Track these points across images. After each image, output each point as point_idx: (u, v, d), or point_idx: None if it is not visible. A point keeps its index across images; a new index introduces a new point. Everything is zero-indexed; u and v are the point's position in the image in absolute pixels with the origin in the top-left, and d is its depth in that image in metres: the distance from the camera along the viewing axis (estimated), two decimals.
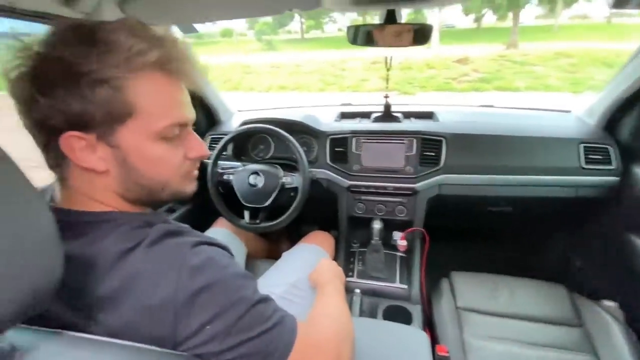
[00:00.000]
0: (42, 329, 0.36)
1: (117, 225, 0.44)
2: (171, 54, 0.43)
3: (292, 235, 1.64)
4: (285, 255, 1.11)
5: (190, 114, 0.48)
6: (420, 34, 0.87)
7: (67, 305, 0.40)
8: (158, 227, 0.45)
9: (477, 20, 19.20)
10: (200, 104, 1.39)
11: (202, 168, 1.31)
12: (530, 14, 22.75)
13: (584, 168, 1.08)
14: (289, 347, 0.44)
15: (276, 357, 0.43)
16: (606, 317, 0.95)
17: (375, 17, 1.00)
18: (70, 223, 0.43)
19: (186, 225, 0.53)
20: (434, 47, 12.58)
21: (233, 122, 1.49)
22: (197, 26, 1.16)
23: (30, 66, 0.39)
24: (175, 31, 1.05)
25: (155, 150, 0.45)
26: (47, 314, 0.38)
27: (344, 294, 0.76)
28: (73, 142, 0.41)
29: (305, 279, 0.98)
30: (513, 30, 12.68)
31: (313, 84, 10.57)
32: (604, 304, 1.01)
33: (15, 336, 0.33)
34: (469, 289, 1.08)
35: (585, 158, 1.09)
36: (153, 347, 0.37)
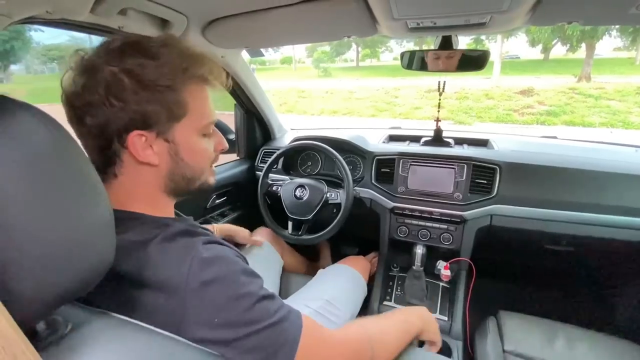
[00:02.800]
0: (90, 307, 0.40)
1: (140, 224, 0.49)
2: (212, 69, 0.53)
3: (330, 254, 1.65)
4: (321, 272, 1.12)
5: (215, 115, 0.58)
6: (476, 60, 0.87)
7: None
8: (176, 225, 0.50)
9: (545, 51, 18.15)
10: (257, 120, 1.50)
11: (256, 178, 1.41)
12: (607, 46, 20.94)
13: None
14: (297, 341, 0.45)
15: (285, 350, 0.44)
16: None
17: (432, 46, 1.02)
18: None
19: (206, 228, 0.58)
20: (494, 77, 12.09)
21: (285, 138, 1.59)
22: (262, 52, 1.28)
23: (98, 76, 0.46)
24: (244, 54, 1.18)
25: (200, 144, 0.55)
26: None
27: (407, 331, 0.68)
28: (136, 140, 0.48)
29: (340, 297, 0.98)
30: (586, 61, 11.73)
31: (365, 109, 10.73)
32: None
33: (68, 311, 0.38)
34: (519, 332, 0.98)
35: None
36: (188, 342, 0.39)
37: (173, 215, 0.60)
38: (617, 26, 11.66)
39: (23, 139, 0.29)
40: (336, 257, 1.62)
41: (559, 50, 18.13)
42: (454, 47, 0.90)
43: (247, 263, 0.55)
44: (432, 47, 0.96)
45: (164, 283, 0.43)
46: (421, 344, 0.80)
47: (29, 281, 0.29)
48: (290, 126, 1.75)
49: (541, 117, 8.32)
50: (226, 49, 1.05)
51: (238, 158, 1.53)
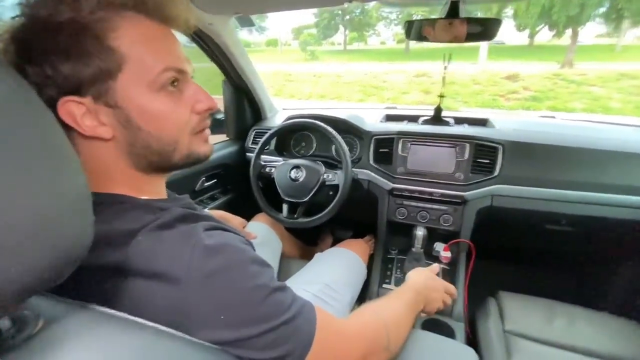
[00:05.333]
0: (66, 300, 0.34)
1: (128, 209, 0.41)
2: None
3: (327, 238, 1.62)
4: (318, 256, 1.08)
5: (187, 63, 0.45)
6: (486, 28, 0.82)
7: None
8: (172, 210, 0.42)
9: (531, 36, 18.29)
10: (248, 98, 1.42)
11: (246, 160, 1.33)
12: (590, 33, 21.26)
13: None
14: (312, 335, 0.41)
15: (300, 347, 0.40)
16: None
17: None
18: None
19: (207, 212, 0.50)
20: (481, 62, 12.15)
21: (277, 118, 1.51)
22: (245, 35, 1.18)
23: (10, 36, 0.37)
24: (233, 23, 1.09)
25: (157, 103, 0.42)
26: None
27: (417, 310, 0.66)
28: (73, 109, 0.38)
29: (339, 280, 0.95)
30: (570, 47, 11.89)
31: (353, 94, 10.61)
32: None
33: (40, 305, 0.31)
34: (519, 312, 0.97)
35: None
36: (177, 332, 0.34)
37: (165, 196, 0.51)
38: (601, 12, 11.84)
39: None
40: (331, 242, 1.59)
41: (544, 36, 18.31)
42: (461, 16, 0.84)
43: (255, 250, 0.49)
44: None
45: (161, 273, 0.36)
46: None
47: None
48: (282, 106, 1.67)
49: (526, 103, 8.43)
50: (214, 15, 0.95)
51: (227, 139, 1.45)
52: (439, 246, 1.15)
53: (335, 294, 0.90)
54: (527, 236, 1.31)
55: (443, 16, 0.86)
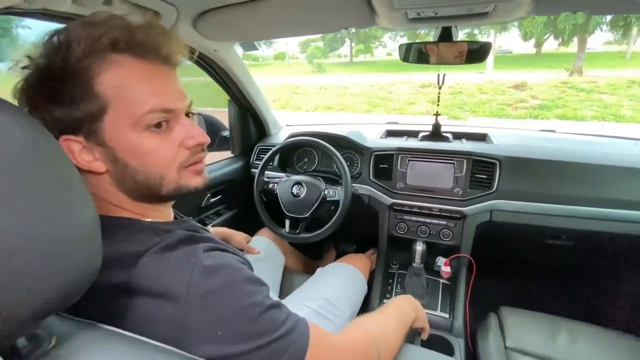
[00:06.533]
0: (77, 319, 0.37)
1: (132, 232, 0.44)
2: (135, 35, 0.41)
3: (331, 251, 1.64)
4: (319, 270, 1.10)
5: (179, 101, 0.46)
6: (477, 52, 0.85)
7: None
8: (176, 233, 0.45)
9: (538, 45, 18.24)
10: (252, 116, 1.47)
11: (251, 176, 1.38)
12: (598, 40, 21.10)
13: None
14: (304, 351, 0.43)
15: None
16: None
17: (428, 38, 1.00)
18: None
19: (210, 234, 0.53)
20: (488, 72, 12.14)
21: (281, 135, 1.55)
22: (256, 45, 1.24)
23: (20, 86, 0.42)
24: (237, 48, 1.14)
25: (142, 142, 0.43)
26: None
27: (405, 324, 0.69)
28: (72, 146, 0.42)
29: (339, 296, 0.96)
30: (578, 55, 11.82)
31: (359, 105, 10.70)
32: None
33: (53, 323, 0.34)
34: (521, 328, 0.97)
35: None
36: (178, 350, 0.36)
37: (171, 218, 0.55)
38: (608, 20, 11.77)
39: None
40: (338, 256, 1.60)
41: (551, 45, 18.25)
42: (454, 39, 0.88)
43: (252, 269, 0.51)
44: (430, 39, 0.94)
45: (164, 292, 0.39)
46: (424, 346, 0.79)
47: (5, 294, 0.26)
48: (286, 122, 1.72)
49: (534, 112, 8.37)
50: (219, 42, 1.01)
51: (232, 155, 1.50)
52: (441, 261, 1.16)
53: (336, 309, 0.92)
54: (528, 251, 1.30)
55: (435, 39, 0.89)
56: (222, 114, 1.42)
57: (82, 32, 0.40)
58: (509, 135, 1.27)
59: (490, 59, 12.47)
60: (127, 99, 0.42)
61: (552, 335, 0.95)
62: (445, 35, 0.85)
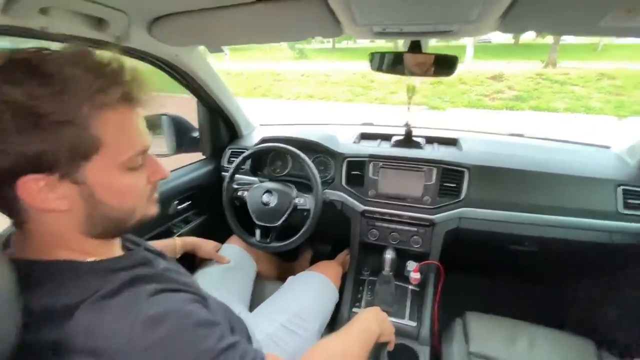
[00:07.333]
0: None
1: (69, 279, 0.42)
2: (132, 88, 0.43)
3: (307, 252, 1.63)
4: (290, 279, 1.09)
5: (149, 139, 0.48)
6: (445, 65, 0.84)
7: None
8: (120, 275, 0.43)
9: (516, 36, 18.56)
10: (222, 118, 1.41)
11: (222, 179, 1.34)
12: None
13: (621, 213, 0.99)
14: None
15: None
16: None
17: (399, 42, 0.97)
18: (29, 275, 0.40)
19: (162, 265, 0.52)
20: (467, 62, 12.28)
21: (254, 136, 1.51)
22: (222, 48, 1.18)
23: None
24: (203, 50, 1.08)
25: (123, 181, 0.45)
26: None
27: (369, 341, 0.68)
28: (31, 186, 0.38)
29: (309, 309, 0.96)
30: (553, 47, 12.09)
31: (341, 94, 10.61)
32: None
33: None
34: (484, 333, 1.01)
35: (624, 202, 1.00)
36: None
37: (119, 253, 0.52)
38: None
39: None
40: (314, 256, 1.60)
41: (529, 35, 18.62)
42: (423, 51, 0.86)
43: (205, 300, 0.50)
44: (401, 49, 0.92)
45: (102, 350, 0.37)
46: (390, 357, 0.80)
47: None
48: (260, 122, 1.67)
49: (510, 102, 8.58)
50: (180, 47, 0.95)
51: (203, 158, 1.45)
52: (411, 265, 1.18)
53: (304, 323, 0.92)
54: (493, 256, 1.35)
55: (406, 50, 0.87)
56: (182, 100, 1.32)
57: (85, 79, 0.39)
58: (479, 141, 1.29)
59: (469, 49, 12.61)
60: (119, 143, 0.43)
61: (512, 339, 0.99)
62: (414, 48, 0.83)
